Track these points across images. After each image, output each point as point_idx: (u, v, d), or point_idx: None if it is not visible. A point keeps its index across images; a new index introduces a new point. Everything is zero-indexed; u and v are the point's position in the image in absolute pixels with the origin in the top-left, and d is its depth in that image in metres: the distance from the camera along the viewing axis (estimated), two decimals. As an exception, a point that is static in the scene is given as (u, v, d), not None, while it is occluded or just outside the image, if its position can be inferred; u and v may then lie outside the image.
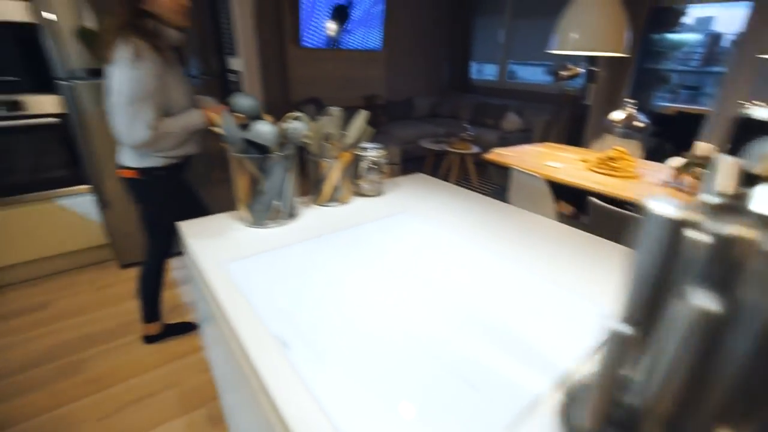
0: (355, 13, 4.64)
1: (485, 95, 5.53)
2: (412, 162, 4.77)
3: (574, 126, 3.84)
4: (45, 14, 1.87)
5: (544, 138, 4.17)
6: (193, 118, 1.37)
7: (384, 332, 0.64)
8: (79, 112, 2.06)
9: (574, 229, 1.14)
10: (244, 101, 0.93)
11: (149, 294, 1.73)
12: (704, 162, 1.92)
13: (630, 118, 2.18)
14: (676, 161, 2.01)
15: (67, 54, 1.96)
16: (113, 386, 1.63)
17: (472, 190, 1.39)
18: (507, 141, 4.64)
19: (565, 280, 0.83)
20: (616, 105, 3.46)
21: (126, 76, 1.19)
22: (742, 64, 2.73)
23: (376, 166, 1.20)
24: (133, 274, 2.40)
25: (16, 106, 2.00)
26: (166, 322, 1.86)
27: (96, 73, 2.05)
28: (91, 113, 2.09)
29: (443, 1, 5.56)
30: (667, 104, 4.03)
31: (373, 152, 1.18)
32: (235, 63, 2.48)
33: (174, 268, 2.49)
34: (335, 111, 1.09)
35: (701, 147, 1.90)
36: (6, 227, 2.14)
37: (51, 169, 2.20)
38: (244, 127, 0.92)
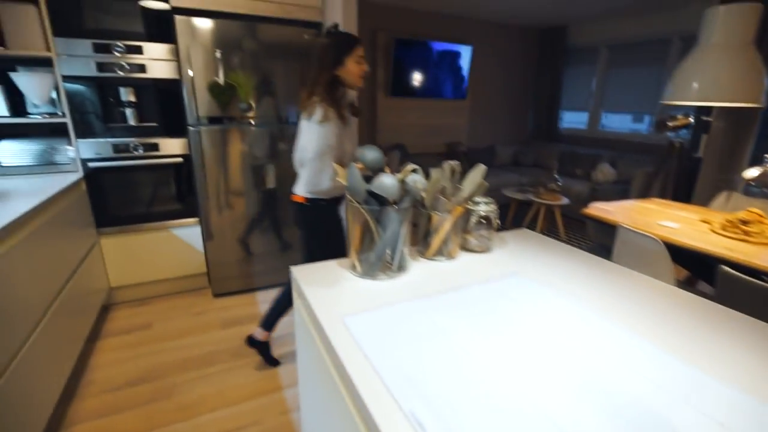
0: (443, 63, 4.81)
1: (573, 144, 5.29)
2: (492, 210, 4.62)
3: (681, 180, 3.46)
4: (187, 71, 2.17)
5: (643, 192, 3.82)
6: None
7: (527, 412, 0.56)
8: (201, 153, 2.31)
9: (711, 302, 0.96)
10: (369, 153, 0.95)
11: (279, 307, 1.88)
12: None
13: (767, 175, 1.90)
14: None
15: (197, 104, 2.24)
16: (202, 415, 1.67)
17: (572, 245, 1.26)
18: (599, 193, 4.33)
19: (710, 363, 0.69)
20: (738, 158, 3.08)
21: (315, 134, 1.48)
22: None
23: (485, 221, 1.14)
24: (224, 304, 2.54)
25: (152, 147, 2.30)
26: (269, 341, 1.97)
27: (216, 121, 2.31)
28: (209, 155, 2.33)
29: (532, 53, 5.56)
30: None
31: (483, 206, 1.13)
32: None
33: (261, 301, 2.60)
34: (450, 165, 1.07)
35: None
36: (125, 251, 2.40)
37: (168, 202, 2.46)
38: (367, 178, 0.93)
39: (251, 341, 1.94)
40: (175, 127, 2.39)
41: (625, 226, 1.92)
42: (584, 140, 5.27)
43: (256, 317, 2.39)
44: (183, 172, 2.44)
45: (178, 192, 2.47)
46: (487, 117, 5.57)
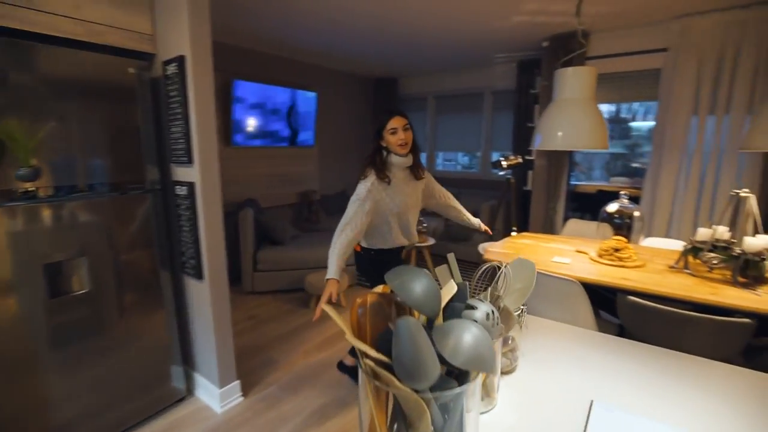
0: (288, 109, 4.46)
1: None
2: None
3: (519, 211, 3.99)
4: None
5: (491, 222, 4.25)
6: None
7: None
8: None
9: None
10: (417, 285, 0.52)
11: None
12: (706, 246, 1.98)
13: (622, 209, 2.22)
14: (681, 247, 2.05)
15: None
16: None
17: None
18: (453, 228, 4.63)
19: None
20: (558, 189, 3.70)
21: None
22: (660, 154, 3.14)
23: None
24: None
25: None
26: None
27: None
28: None
29: (371, 100, 5.78)
30: (582, 183, 4.50)
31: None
32: (185, 173, 1.96)
33: None
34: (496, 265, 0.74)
35: (702, 233, 1.96)
36: None
37: None
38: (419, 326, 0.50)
39: (341, 367, 2.29)
40: None
41: (543, 272, 1.93)
42: (426, 180, 5.68)
43: None
44: None
45: None
46: (338, 162, 5.45)
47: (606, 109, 4.14)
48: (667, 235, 3.09)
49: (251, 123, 4.09)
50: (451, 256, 0.71)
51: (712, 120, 2.93)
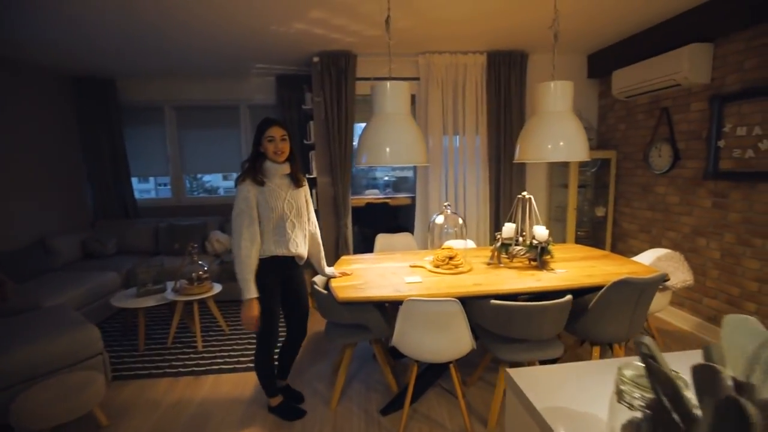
0: None
1: (164, 216, 4.39)
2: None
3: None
4: None
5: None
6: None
7: None
8: None
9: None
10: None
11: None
12: (511, 240, 2.36)
13: (449, 218, 2.36)
14: (496, 243, 2.36)
15: None
16: None
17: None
18: (230, 265, 3.84)
19: None
20: (345, 206, 3.69)
21: None
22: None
23: None
24: None
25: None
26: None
27: None
28: None
29: (71, 108, 4.01)
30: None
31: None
32: None
33: None
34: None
35: (507, 230, 2.32)
36: None
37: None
38: None
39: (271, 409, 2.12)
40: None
41: (417, 298, 1.74)
42: (177, 210, 4.52)
43: None
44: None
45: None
46: (25, 200, 3.51)
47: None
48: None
49: None
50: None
51: (456, 139, 3.65)
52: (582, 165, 3.74)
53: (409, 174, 5.03)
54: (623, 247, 3.68)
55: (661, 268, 2.35)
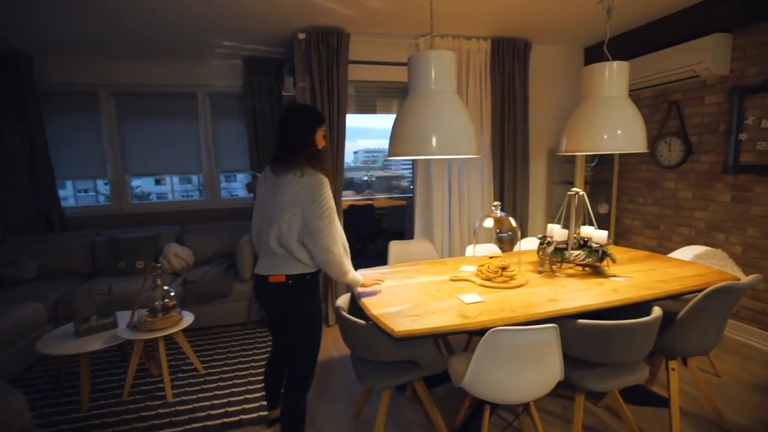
0: None
1: (103, 229, 3.55)
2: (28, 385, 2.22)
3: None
4: None
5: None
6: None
7: None
8: None
9: None
10: None
11: None
12: (568, 245, 2.04)
13: (499, 221, 1.98)
14: (547, 248, 2.02)
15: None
16: None
17: None
18: (196, 286, 3.14)
19: None
20: (338, 208, 3.18)
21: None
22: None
23: None
24: None
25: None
26: None
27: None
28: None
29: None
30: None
31: None
32: None
33: None
34: None
35: (558, 233, 2.00)
36: None
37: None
38: None
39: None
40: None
41: (506, 328, 1.33)
42: (118, 220, 3.68)
43: None
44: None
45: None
46: None
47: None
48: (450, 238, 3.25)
49: None
50: None
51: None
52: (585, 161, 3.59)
53: (395, 173, 4.60)
54: (626, 244, 3.57)
55: (712, 268, 2.18)
